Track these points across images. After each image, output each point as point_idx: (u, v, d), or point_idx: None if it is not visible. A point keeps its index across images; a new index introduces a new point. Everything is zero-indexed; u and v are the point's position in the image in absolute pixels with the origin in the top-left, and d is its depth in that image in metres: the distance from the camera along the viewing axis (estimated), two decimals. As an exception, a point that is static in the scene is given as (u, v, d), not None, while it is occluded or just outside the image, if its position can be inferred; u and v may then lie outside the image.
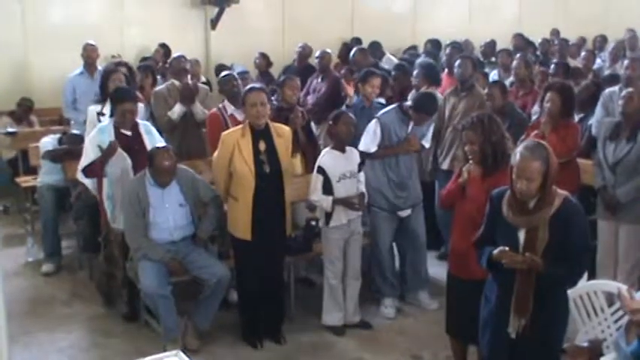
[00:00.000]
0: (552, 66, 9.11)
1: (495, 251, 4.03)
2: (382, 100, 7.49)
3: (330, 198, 5.92)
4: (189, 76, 7.88)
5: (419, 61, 8.75)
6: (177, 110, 7.31)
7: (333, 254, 6.08)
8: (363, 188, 6.12)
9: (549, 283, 4.03)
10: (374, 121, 6.39)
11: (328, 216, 6.01)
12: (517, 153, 4.03)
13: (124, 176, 6.13)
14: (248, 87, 5.96)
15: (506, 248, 4.00)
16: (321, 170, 5.96)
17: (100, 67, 8.82)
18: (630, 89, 6.26)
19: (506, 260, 3.99)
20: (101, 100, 7.14)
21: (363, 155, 6.34)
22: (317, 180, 5.96)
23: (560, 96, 6.27)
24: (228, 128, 6.38)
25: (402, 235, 6.59)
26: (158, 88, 7.95)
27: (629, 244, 6.09)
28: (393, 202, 6.40)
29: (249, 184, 5.62)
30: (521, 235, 4.06)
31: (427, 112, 6.35)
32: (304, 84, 9.04)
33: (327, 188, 5.94)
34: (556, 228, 3.98)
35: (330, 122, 6.12)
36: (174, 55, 8.37)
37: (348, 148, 6.09)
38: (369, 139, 6.33)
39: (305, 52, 10.87)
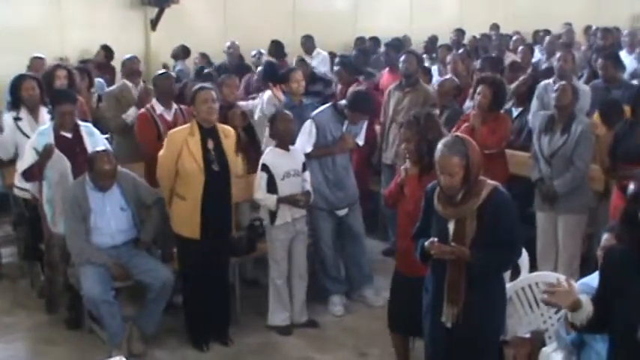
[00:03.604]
0: (479, 60, 9.22)
1: (426, 243, 4.10)
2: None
3: (275, 197, 5.89)
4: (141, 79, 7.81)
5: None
6: (131, 114, 7.14)
7: (278, 254, 6.05)
8: (308, 187, 6.10)
9: (480, 272, 4.09)
10: (309, 121, 6.37)
11: (273, 215, 5.98)
12: (438, 149, 4.11)
13: (63, 179, 6.04)
14: (198, 85, 5.91)
15: (436, 239, 4.06)
16: (264, 168, 5.93)
17: None
18: (563, 82, 6.36)
19: (434, 251, 4.06)
20: (15, 107, 6.85)
21: None
22: (261, 178, 5.93)
23: (491, 89, 6.35)
24: (158, 128, 6.34)
25: (341, 232, 6.60)
26: (110, 89, 7.86)
27: (568, 234, 6.21)
28: (331, 202, 6.42)
29: (199, 182, 5.60)
30: (451, 227, 4.12)
31: (362, 111, 6.37)
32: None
33: (272, 187, 5.91)
34: (484, 218, 4.05)
35: (269, 123, 6.11)
36: (126, 56, 8.16)
37: (292, 147, 6.07)
38: (305, 139, 6.30)
39: (236, 52, 11.09)
